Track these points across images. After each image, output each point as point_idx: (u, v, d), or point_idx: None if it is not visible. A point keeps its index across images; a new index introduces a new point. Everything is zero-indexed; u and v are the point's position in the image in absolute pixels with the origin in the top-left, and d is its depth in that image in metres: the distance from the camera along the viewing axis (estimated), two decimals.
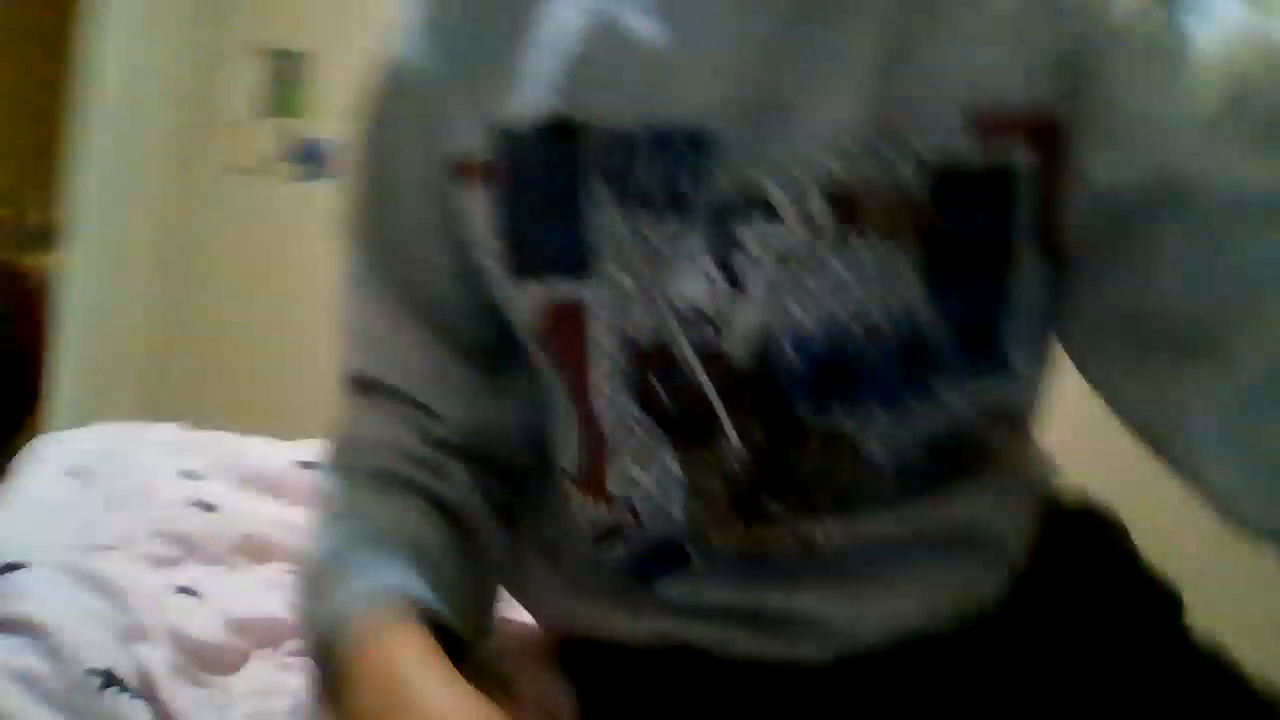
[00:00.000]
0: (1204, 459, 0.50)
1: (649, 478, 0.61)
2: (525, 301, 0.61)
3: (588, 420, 0.62)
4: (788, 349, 0.57)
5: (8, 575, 0.74)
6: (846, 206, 0.55)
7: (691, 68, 0.56)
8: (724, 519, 0.61)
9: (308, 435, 0.98)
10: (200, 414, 1.31)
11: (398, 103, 0.64)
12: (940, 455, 0.60)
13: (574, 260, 0.58)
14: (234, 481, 1.01)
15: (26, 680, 0.64)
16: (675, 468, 0.61)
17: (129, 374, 2.71)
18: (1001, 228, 0.55)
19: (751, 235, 0.56)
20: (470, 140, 0.60)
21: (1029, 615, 0.65)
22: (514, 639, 0.72)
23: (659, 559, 0.64)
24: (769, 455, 0.59)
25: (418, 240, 0.64)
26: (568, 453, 0.65)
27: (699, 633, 0.63)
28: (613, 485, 0.62)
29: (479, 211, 0.61)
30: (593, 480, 0.64)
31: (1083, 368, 0.58)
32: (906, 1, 0.54)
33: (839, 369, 0.57)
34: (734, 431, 0.59)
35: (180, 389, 2.63)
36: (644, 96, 0.57)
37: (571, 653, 0.70)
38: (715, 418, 0.59)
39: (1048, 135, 0.54)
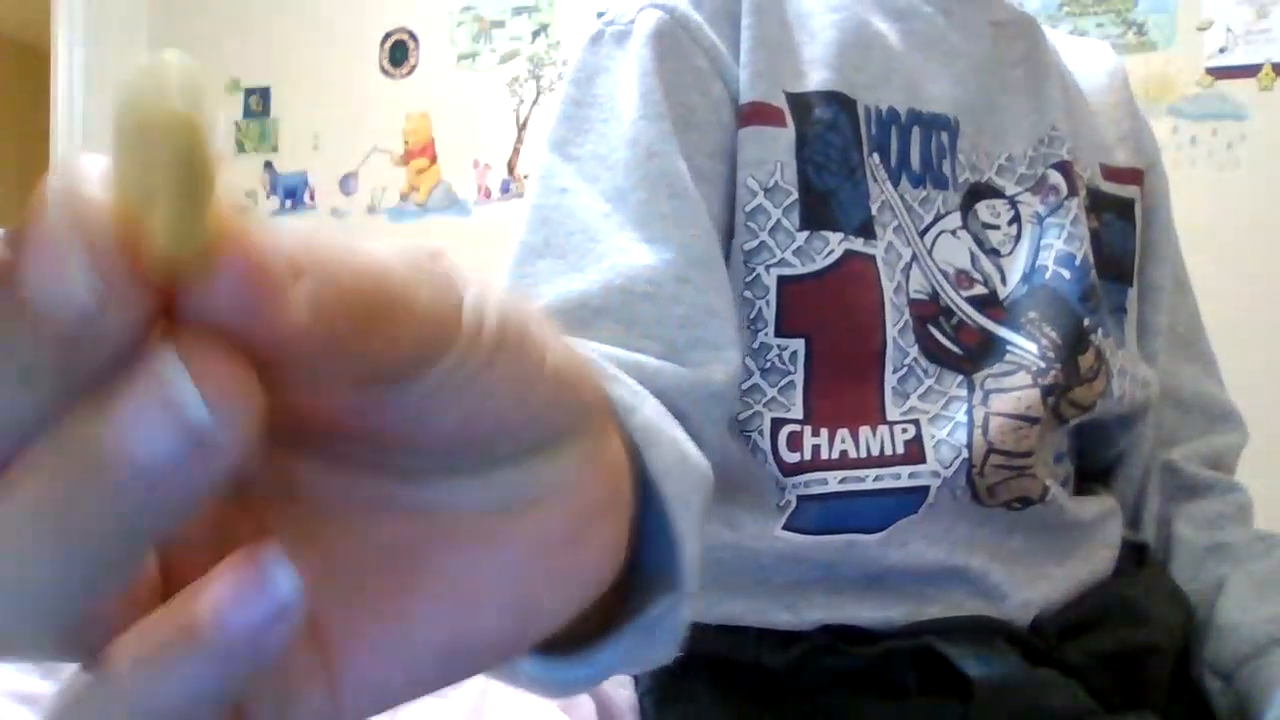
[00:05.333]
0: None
1: (935, 406, 0.61)
2: (820, 246, 0.60)
3: (854, 360, 0.61)
4: (1054, 266, 0.66)
5: None
6: (1070, 176, 0.68)
7: (929, 69, 0.67)
8: (1006, 431, 0.61)
9: None
10: None
11: (688, 37, 0.61)
12: (1120, 430, 0.72)
13: (864, 224, 0.61)
14: None
15: (30, 702, 0.68)
16: (963, 392, 0.61)
17: None
18: (1129, 242, 0.73)
19: (991, 209, 0.67)
20: (760, 92, 0.61)
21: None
22: None
23: (885, 496, 0.60)
24: (1063, 353, 0.63)
25: (698, 181, 0.59)
26: (785, 399, 0.61)
27: (868, 613, 0.60)
28: (890, 414, 0.61)
29: (776, 154, 0.60)
30: (828, 414, 0.61)
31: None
32: (1066, 88, 0.73)
33: (1090, 286, 0.66)
34: (1028, 340, 0.64)
35: None
36: (901, 85, 0.65)
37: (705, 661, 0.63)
38: (1004, 341, 0.64)
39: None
